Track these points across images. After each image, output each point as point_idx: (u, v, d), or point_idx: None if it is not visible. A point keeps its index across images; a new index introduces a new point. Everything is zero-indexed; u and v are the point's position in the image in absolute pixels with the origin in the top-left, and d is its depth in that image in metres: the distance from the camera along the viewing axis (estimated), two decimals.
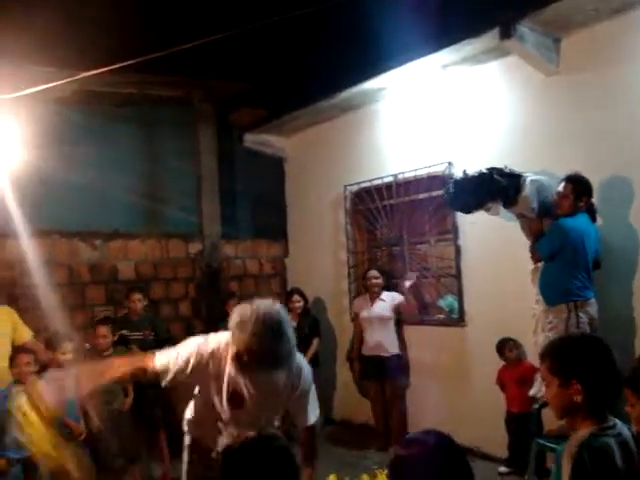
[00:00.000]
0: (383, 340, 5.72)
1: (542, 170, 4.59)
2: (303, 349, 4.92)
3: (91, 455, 4.43)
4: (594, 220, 4.28)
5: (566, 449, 1.87)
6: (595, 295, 4.16)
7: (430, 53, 4.99)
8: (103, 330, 4.94)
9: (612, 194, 4.39)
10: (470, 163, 4.88)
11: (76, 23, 4.98)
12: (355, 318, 6.05)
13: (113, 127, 6.27)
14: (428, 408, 5.50)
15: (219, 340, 2.67)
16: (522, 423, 4.64)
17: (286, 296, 6.36)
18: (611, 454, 1.81)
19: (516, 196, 4.38)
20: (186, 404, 3.06)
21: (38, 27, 4.48)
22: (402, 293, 5.84)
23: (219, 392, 2.68)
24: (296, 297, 6.22)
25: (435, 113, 5.66)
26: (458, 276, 5.52)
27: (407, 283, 5.85)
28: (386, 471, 2.86)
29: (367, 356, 5.82)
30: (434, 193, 5.64)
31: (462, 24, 4.69)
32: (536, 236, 4.43)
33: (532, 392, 4.39)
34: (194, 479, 2.95)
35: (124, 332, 5.28)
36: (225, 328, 2.62)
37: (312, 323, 6.26)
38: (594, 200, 4.26)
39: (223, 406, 2.69)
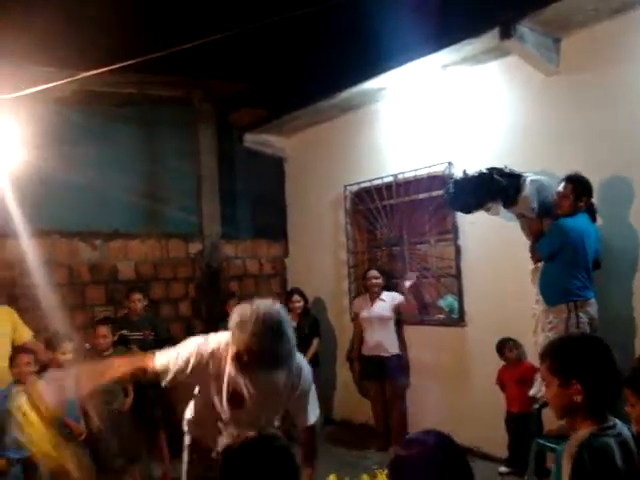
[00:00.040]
0: (383, 340, 5.72)
1: (542, 170, 4.59)
2: (303, 349, 4.92)
3: (91, 455, 4.43)
4: (594, 220, 4.27)
5: (566, 449, 1.87)
6: (595, 295, 4.16)
7: (430, 53, 4.99)
8: (103, 330, 4.93)
9: (612, 194, 4.39)
10: (470, 163, 4.88)
11: (76, 23, 4.98)
12: (355, 318, 6.05)
13: (113, 127, 6.27)
14: (428, 408, 5.49)
15: (219, 340, 2.67)
16: (522, 423, 4.64)
17: (286, 296, 6.36)
18: (611, 454, 1.81)
19: (516, 196, 4.38)
20: (186, 404, 3.05)
21: (38, 27, 4.47)
22: (402, 293, 5.84)
23: (219, 392, 2.68)
24: (296, 297, 6.22)
25: (435, 113, 5.66)
26: (458, 276, 5.52)
27: (407, 283, 5.85)
28: (386, 471, 2.87)
29: (367, 356, 5.82)
30: (434, 193, 5.64)
31: (462, 24, 4.69)
32: (536, 236, 4.43)
33: (532, 392, 4.39)
34: (194, 479, 2.95)
35: (124, 332, 5.28)
36: (225, 328, 2.62)
37: (312, 323, 6.26)
38: (594, 200, 4.26)
39: (223, 406, 2.69)
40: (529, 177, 4.42)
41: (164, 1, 5.55)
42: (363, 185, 6.38)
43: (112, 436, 4.64)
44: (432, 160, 5.61)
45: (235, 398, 2.66)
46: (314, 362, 5.73)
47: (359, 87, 5.77)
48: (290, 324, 2.59)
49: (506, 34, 4.41)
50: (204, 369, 2.64)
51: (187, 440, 3.00)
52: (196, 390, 2.88)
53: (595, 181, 4.25)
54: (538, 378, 4.26)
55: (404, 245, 6.06)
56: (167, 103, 6.44)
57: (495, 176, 4.40)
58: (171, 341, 3.73)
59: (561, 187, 4.20)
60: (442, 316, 5.76)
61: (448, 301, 5.70)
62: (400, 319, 5.85)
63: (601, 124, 4.43)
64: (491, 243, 5.15)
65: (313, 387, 2.86)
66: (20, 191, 5.21)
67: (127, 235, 6.38)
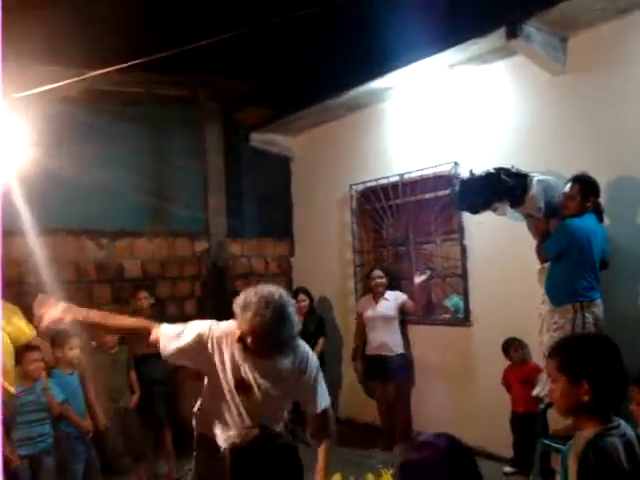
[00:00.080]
0: (387, 340, 5.72)
1: (549, 170, 4.58)
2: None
3: (97, 453, 4.46)
4: (601, 220, 4.26)
5: (572, 449, 1.87)
6: (602, 295, 4.15)
7: (437, 53, 4.99)
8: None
9: (619, 194, 4.37)
10: (476, 163, 4.87)
11: (84, 23, 5.00)
12: (358, 317, 6.06)
13: (120, 126, 6.29)
14: (433, 408, 5.50)
15: (229, 325, 2.69)
16: (527, 423, 4.63)
17: (292, 295, 6.34)
18: (617, 454, 1.81)
19: (523, 196, 4.38)
20: (192, 403, 3.05)
21: (46, 27, 4.49)
22: (412, 288, 5.82)
23: (226, 379, 2.68)
24: (302, 296, 6.22)
25: (441, 113, 5.65)
26: (464, 276, 5.51)
27: (420, 278, 5.80)
28: (391, 470, 2.87)
29: (371, 356, 5.82)
30: (440, 193, 5.65)
31: (469, 24, 4.69)
32: (543, 236, 4.42)
33: (535, 392, 4.38)
34: (201, 474, 2.95)
35: None
36: None
37: (318, 322, 6.26)
38: (601, 200, 4.25)
39: (232, 393, 2.69)
40: (536, 177, 4.41)
41: (171, 1, 5.56)
42: (369, 184, 6.38)
43: (118, 434, 4.67)
44: (438, 160, 5.61)
45: (241, 384, 2.67)
46: (320, 361, 5.71)
47: (365, 86, 5.77)
48: (294, 308, 2.61)
49: (513, 34, 4.41)
50: (212, 350, 2.66)
51: (195, 434, 2.99)
52: (205, 381, 2.87)
53: (602, 181, 4.23)
54: (542, 378, 4.26)
55: (410, 245, 6.06)
56: (174, 102, 6.45)
57: (502, 176, 4.40)
58: None
59: (568, 187, 4.18)
60: (448, 316, 5.76)
61: (454, 301, 5.70)
62: (404, 319, 5.86)
63: (608, 124, 4.42)
64: (497, 243, 5.14)
65: (321, 374, 2.87)
66: (27, 189, 5.20)
67: (133, 233, 6.39)
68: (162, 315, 5.95)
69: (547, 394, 3.98)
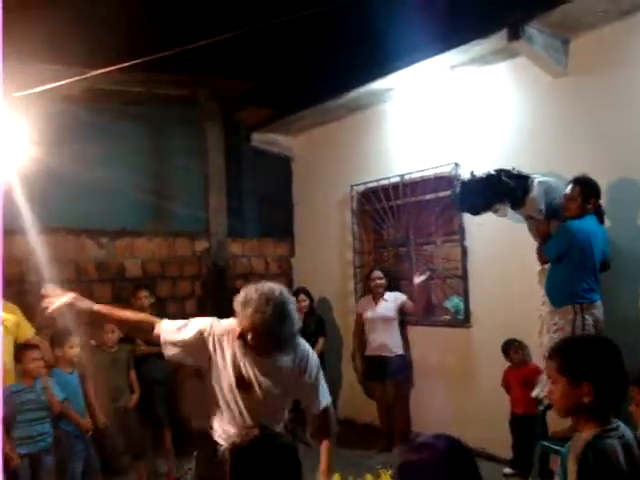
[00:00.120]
0: (387, 340, 5.72)
1: (549, 171, 4.58)
2: None
3: (97, 452, 4.46)
4: (602, 222, 4.26)
5: (571, 451, 1.87)
6: (602, 297, 4.15)
7: (438, 54, 4.99)
8: (109, 327, 4.95)
9: (620, 196, 4.38)
10: (477, 164, 4.88)
11: (85, 22, 5.00)
12: (357, 318, 6.06)
13: (121, 125, 6.29)
14: (433, 409, 5.49)
15: (230, 323, 2.69)
16: (527, 425, 4.63)
17: (292, 295, 6.35)
18: (616, 456, 1.81)
19: (524, 197, 4.38)
20: (192, 402, 3.05)
21: (47, 26, 4.50)
22: (412, 288, 5.82)
23: (227, 377, 2.68)
24: (302, 296, 6.21)
25: (442, 114, 5.65)
26: (464, 277, 5.51)
27: (419, 278, 5.79)
28: (390, 471, 2.86)
29: (371, 356, 5.82)
30: (441, 194, 5.65)
31: (470, 25, 4.69)
32: (543, 238, 4.42)
33: (534, 393, 4.38)
34: (201, 474, 2.95)
35: None
36: None
37: (318, 322, 6.26)
38: (602, 202, 4.25)
39: (233, 391, 2.68)
40: (537, 178, 4.41)
41: (171, 1, 5.57)
42: (370, 185, 6.38)
43: (118, 433, 4.67)
44: (439, 161, 5.61)
45: (242, 382, 2.67)
46: (319, 361, 5.72)
47: (366, 87, 5.77)
48: (294, 306, 2.62)
49: (514, 35, 4.41)
50: (213, 347, 2.66)
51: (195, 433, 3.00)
52: (205, 380, 2.86)
53: (603, 183, 4.24)
54: (542, 379, 4.26)
55: (410, 246, 6.06)
56: (174, 102, 6.46)
57: (503, 177, 4.40)
58: None
59: (569, 189, 4.19)
60: (448, 317, 5.76)
61: (454, 302, 5.70)
62: (404, 320, 5.85)
63: (609, 126, 4.42)
64: (498, 244, 5.14)
65: (321, 372, 2.87)
66: (28, 188, 5.20)
67: (134, 233, 6.39)
68: (162, 315, 5.92)
69: (546, 395, 3.98)
